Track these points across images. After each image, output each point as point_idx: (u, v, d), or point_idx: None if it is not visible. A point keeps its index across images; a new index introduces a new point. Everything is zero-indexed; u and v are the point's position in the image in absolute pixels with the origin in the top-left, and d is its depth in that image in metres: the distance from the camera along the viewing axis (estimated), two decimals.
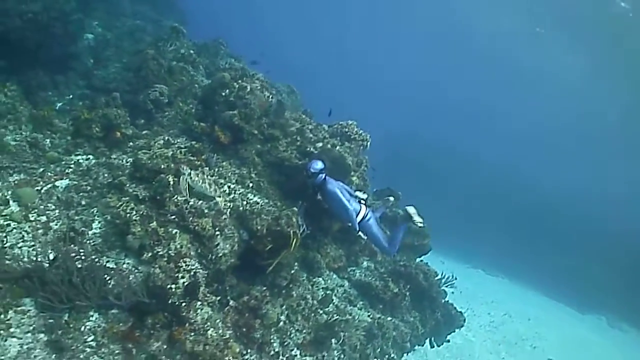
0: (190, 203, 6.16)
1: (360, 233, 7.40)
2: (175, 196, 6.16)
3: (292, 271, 6.90)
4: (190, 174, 6.55)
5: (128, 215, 5.86)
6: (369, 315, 7.46)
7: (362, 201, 7.37)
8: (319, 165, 7.05)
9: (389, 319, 7.60)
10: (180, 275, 5.55)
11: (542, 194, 31.60)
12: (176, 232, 5.93)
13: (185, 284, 5.53)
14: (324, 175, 7.12)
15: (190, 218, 6.02)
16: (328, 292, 7.32)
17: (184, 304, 5.39)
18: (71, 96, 8.97)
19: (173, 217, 6.02)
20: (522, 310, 18.64)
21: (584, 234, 26.78)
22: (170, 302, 5.33)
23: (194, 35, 10.94)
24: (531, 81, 38.40)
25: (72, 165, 6.84)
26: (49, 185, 6.48)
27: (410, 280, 8.11)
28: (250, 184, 7.16)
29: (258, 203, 6.78)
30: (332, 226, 7.46)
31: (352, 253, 7.94)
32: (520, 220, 28.77)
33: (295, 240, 6.43)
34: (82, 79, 9.26)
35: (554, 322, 18.73)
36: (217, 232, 6.15)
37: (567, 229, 27.54)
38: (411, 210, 7.58)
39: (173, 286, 5.40)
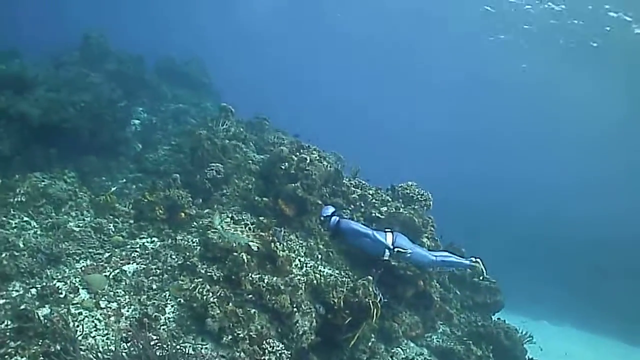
0: (266, 280, 5.85)
1: (399, 248, 6.87)
2: (250, 274, 5.86)
3: (370, 343, 6.46)
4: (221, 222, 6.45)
5: (205, 297, 5.55)
6: None
7: (388, 229, 7.15)
8: (330, 210, 7.20)
9: None
10: (266, 357, 5.14)
11: (589, 231, 30.41)
12: (254, 312, 5.58)
13: None
14: (337, 218, 7.14)
15: (268, 296, 5.68)
16: None
17: None
18: (124, 180, 8.91)
19: (250, 296, 5.70)
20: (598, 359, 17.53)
21: None
22: None
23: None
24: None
25: (137, 249, 6.64)
26: (117, 271, 6.25)
27: (491, 341, 7.56)
28: (319, 255, 6.88)
29: (332, 275, 6.46)
30: (406, 292, 7.07)
31: (428, 318, 7.47)
32: (574, 263, 27.39)
33: (375, 310, 6.06)
34: (133, 162, 9.26)
35: None
36: (295, 309, 5.79)
37: (626, 265, 26.18)
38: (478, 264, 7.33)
39: None
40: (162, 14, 42.16)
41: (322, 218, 7.18)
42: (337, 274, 6.67)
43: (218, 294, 5.61)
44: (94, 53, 12.28)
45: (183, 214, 6.88)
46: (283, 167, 7.25)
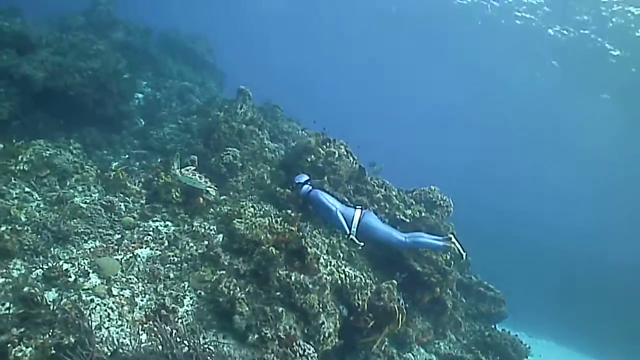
0: (294, 278, 5.30)
1: (353, 237, 6.36)
2: (278, 270, 5.31)
3: (383, 347, 6.05)
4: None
5: (232, 292, 4.95)
6: None
7: (358, 206, 6.65)
8: (303, 177, 6.71)
9: None
10: None
11: (573, 245, 30.74)
12: (282, 311, 5.04)
13: None
14: (310, 187, 6.62)
15: (297, 295, 5.15)
16: None
17: None
18: (127, 156, 8.13)
19: (278, 293, 5.14)
20: None
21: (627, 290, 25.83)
22: None
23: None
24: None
25: (150, 232, 5.97)
26: (129, 255, 5.58)
27: (499, 352, 7.25)
28: (341, 254, 6.37)
29: (356, 276, 5.97)
30: (423, 298, 6.66)
31: (439, 325, 7.09)
32: (556, 278, 27.51)
33: (401, 315, 5.64)
34: (136, 138, 8.45)
35: None
36: (321, 309, 5.28)
37: (608, 287, 26.45)
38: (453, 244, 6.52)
39: None
40: None
41: (295, 183, 6.66)
42: (359, 274, 6.19)
43: (247, 289, 5.03)
44: (101, 20, 11.21)
45: (201, 199, 6.23)
46: (309, 159, 6.66)
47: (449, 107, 45.35)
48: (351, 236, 6.30)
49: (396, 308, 5.65)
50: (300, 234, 5.62)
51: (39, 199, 6.07)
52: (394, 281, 5.92)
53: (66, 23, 10.74)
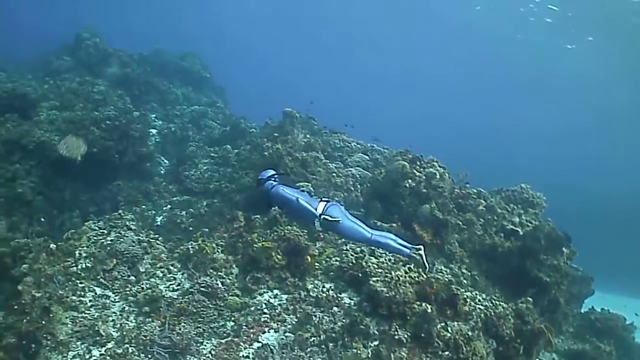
0: (452, 329, 4.34)
1: (317, 226, 5.01)
2: (434, 327, 4.31)
3: None
4: None
5: None
6: None
7: (324, 198, 5.40)
8: (268, 173, 5.64)
9: None
10: None
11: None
12: None
13: None
14: (273, 183, 5.50)
15: (464, 348, 4.21)
16: None
17: None
18: (169, 206, 6.58)
19: (447, 353, 4.18)
20: None
21: None
22: None
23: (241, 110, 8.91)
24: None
25: (265, 310, 4.68)
26: (256, 345, 4.32)
27: (612, 334, 6.71)
28: (465, 281, 5.41)
29: (497, 305, 5.07)
30: (543, 301, 5.89)
31: (555, 322, 6.38)
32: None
33: (550, 334, 4.89)
34: (171, 183, 6.87)
35: None
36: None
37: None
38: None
39: None
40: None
41: (258, 179, 5.57)
42: (491, 299, 5.31)
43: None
44: (90, 56, 8.95)
45: (309, 257, 5.00)
46: (407, 185, 5.50)
47: (439, 71, 43.42)
48: (323, 216, 5.22)
49: (544, 327, 4.87)
50: (446, 279, 4.63)
51: (118, 300, 4.60)
52: (529, 299, 5.11)
53: (52, 66, 8.53)
